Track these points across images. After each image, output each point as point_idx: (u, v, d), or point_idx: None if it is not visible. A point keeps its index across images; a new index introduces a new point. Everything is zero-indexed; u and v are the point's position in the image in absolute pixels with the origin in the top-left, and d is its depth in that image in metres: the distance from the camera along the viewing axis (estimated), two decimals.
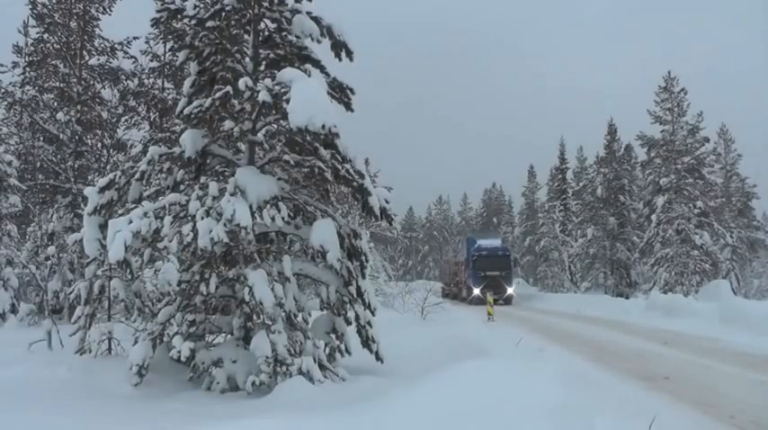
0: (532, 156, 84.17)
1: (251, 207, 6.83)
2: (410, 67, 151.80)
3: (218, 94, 7.12)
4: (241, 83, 6.99)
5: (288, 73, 6.87)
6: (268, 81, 7.21)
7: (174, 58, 15.27)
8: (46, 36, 18.14)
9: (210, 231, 6.41)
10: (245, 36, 8.01)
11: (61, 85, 17.25)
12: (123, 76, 17.78)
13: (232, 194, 6.73)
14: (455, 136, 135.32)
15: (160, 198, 7.24)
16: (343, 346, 7.88)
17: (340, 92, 7.74)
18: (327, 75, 7.76)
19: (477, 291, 29.97)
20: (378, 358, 7.83)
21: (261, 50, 7.87)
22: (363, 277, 7.84)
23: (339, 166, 7.42)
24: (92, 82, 17.38)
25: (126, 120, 17.71)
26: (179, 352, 6.85)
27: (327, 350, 7.81)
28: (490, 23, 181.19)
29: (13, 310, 13.93)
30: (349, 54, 7.60)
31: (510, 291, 30.36)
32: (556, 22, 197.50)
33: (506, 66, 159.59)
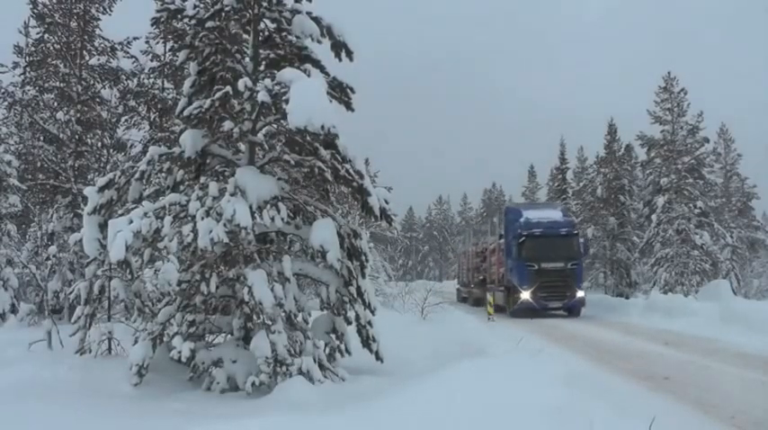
0: (532, 157, 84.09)
1: (251, 207, 6.83)
2: (410, 68, 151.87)
3: (217, 95, 7.12)
4: (240, 83, 6.99)
5: (287, 73, 6.87)
6: (268, 81, 7.21)
7: (174, 58, 15.26)
8: (46, 36, 18.13)
9: (210, 231, 6.41)
10: (245, 36, 8.00)
11: (61, 84, 17.24)
12: (123, 76, 17.78)
13: (232, 194, 6.73)
14: (455, 136, 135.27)
15: (160, 198, 7.24)
16: (343, 346, 7.88)
17: (340, 91, 7.74)
18: (327, 74, 7.76)
19: (526, 295, 19.18)
20: (378, 358, 7.83)
21: (261, 50, 7.86)
22: (363, 277, 7.84)
23: (339, 166, 7.42)
24: (92, 82, 17.35)
25: (126, 120, 17.71)
26: (179, 352, 6.85)
27: (327, 350, 7.81)
28: (487, 34, 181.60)
29: (13, 310, 13.91)
30: (349, 54, 7.60)
31: (580, 293, 19.42)
32: (554, 27, 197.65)
33: (506, 72, 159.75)
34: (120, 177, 7.53)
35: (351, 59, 7.63)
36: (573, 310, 19.76)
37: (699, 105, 29.24)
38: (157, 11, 7.79)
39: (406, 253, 76.59)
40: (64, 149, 16.27)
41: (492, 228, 34.14)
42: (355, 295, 7.70)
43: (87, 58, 17.56)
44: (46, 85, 18.18)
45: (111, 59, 17.86)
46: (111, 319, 8.74)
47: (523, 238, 19.82)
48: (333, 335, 7.86)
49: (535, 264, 19.44)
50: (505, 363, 6.62)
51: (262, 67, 7.95)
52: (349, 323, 7.84)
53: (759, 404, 6.86)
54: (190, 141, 7.35)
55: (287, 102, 6.54)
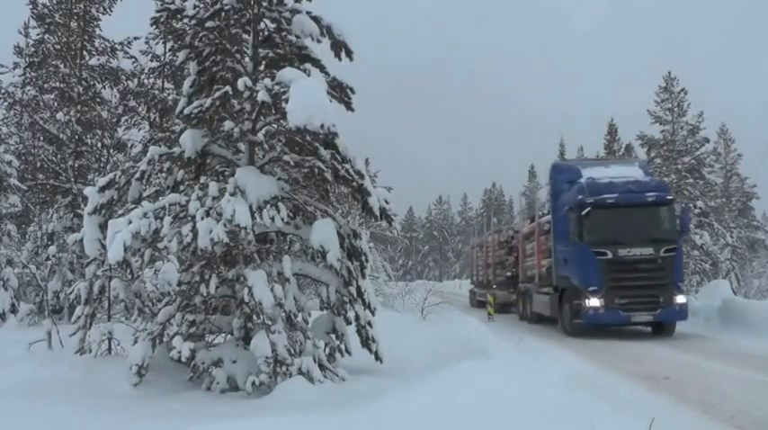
0: (532, 157, 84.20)
1: (251, 207, 6.83)
2: (410, 68, 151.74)
3: (217, 94, 7.12)
4: (240, 83, 6.99)
5: (287, 73, 6.87)
6: (267, 81, 7.21)
7: (174, 58, 15.26)
8: (46, 36, 18.19)
9: (210, 231, 6.40)
10: (245, 36, 8.00)
11: (61, 85, 17.28)
12: (123, 76, 17.83)
13: (232, 194, 6.72)
14: (455, 136, 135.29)
15: (160, 198, 7.23)
16: (343, 346, 7.87)
17: (340, 91, 7.74)
18: (327, 74, 7.76)
19: (594, 302, 12.61)
20: (377, 358, 7.82)
21: (261, 50, 7.86)
22: (363, 277, 7.83)
23: (339, 166, 7.42)
24: (92, 82, 17.41)
25: (126, 120, 17.74)
26: (179, 352, 6.84)
27: (327, 350, 7.80)
28: (487, 34, 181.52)
29: (13, 310, 13.93)
30: (349, 54, 7.60)
31: (680, 298, 12.76)
32: (554, 26, 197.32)
33: (507, 72, 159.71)
34: (120, 177, 7.53)
35: (351, 59, 7.63)
36: (666, 327, 13.01)
37: (699, 105, 29.28)
38: (157, 11, 7.79)
39: (406, 253, 76.59)
40: (64, 149, 16.29)
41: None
42: (355, 295, 7.70)
43: (87, 58, 17.61)
44: (46, 85, 18.23)
45: (111, 59, 17.93)
46: (111, 319, 8.73)
47: (588, 209, 12.76)
48: (333, 336, 7.85)
49: (608, 250, 12.57)
50: (506, 363, 6.62)
51: (262, 67, 7.95)
52: (349, 323, 7.83)
53: (759, 404, 6.86)
54: (190, 141, 7.35)
55: (287, 101, 6.53)
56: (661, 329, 13.20)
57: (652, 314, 12.65)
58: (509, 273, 20.97)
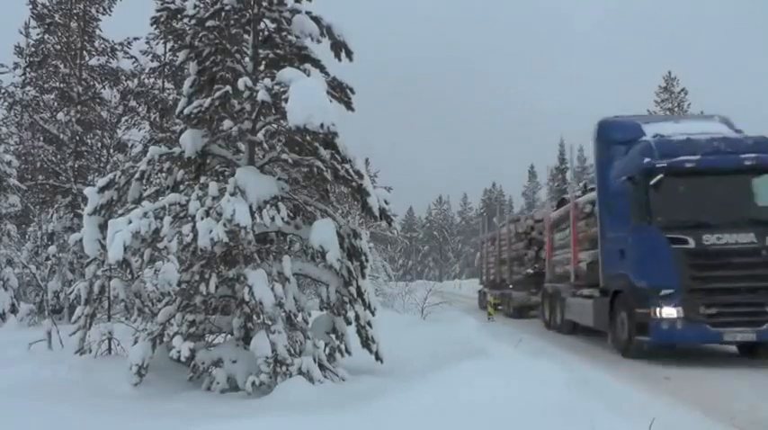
0: (532, 157, 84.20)
1: (251, 207, 6.83)
2: (410, 68, 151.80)
3: (217, 94, 7.12)
4: (240, 83, 7.00)
5: (287, 72, 6.87)
6: (267, 81, 7.21)
7: (174, 58, 15.31)
8: (46, 36, 18.23)
9: (210, 231, 6.40)
10: (245, 36, 8.01)
11: (61, 85, 17.32)
12: (123, 77, 17.86)
13: (232, 194, 6.72)
14: (455, 136, 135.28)
15: (160, 198, 7.23)
16: (343, 346, 7.88)
17: (340, 91, 7.74)
18: (327, 74, 7.76)
19: (669, 311, 8.81)
20: (378, 358, 7.82)
21: (261, 50, 7.87)
22: (363, 277, 7.83)
23: (339, 166, 7.42)
24: (92, 82, 17.45)
25: (126, 121, 17.76)
26: (179, 352, 6.84)
27: (327, 350, 7.81)
28: (487, 34, 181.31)
29: (13, 310, 13.93)
30: (349, 54, 7.60)
31: None
32: (554, 26, 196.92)
33: (506, 72, 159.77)
34: (120, 177, 7.53)
35: (350, 59, 7.63)
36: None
37: (699, 105, 29.28)
38: (157, 11, 7.80)
39: (406, 253, 76.63)
40: (64, 149, 16.31)
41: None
42: (355, 295, 7.70)
43: (87, 58, 17.66)
44: (46, 85, 18.28)
45: (111, 60, 17.97)
46: (111, 319, 8.74)
47: (660, 177, 9.22)
48: (333, 336, 7.85)
49: (688, 236, 9.02)
50: (506, 363, 6.62)
51: (262, 67, 7.96)
52: (349, 323, 7.84)
53: (759, 404, 6.86)
54: (190, 141, 7.36)
55: (287, 101, 6.53)
56: (757, 351, 9.60)
57: (756, 331, 8.88)
58: (529, 271, 18.13)
